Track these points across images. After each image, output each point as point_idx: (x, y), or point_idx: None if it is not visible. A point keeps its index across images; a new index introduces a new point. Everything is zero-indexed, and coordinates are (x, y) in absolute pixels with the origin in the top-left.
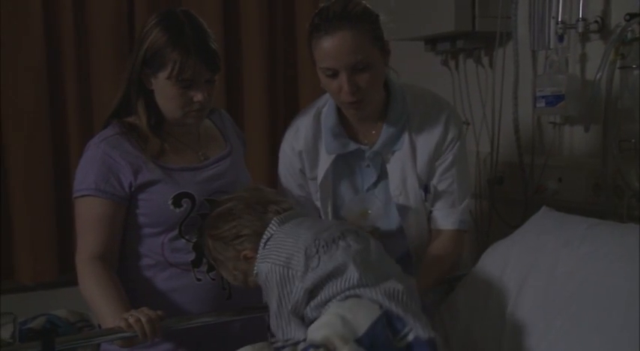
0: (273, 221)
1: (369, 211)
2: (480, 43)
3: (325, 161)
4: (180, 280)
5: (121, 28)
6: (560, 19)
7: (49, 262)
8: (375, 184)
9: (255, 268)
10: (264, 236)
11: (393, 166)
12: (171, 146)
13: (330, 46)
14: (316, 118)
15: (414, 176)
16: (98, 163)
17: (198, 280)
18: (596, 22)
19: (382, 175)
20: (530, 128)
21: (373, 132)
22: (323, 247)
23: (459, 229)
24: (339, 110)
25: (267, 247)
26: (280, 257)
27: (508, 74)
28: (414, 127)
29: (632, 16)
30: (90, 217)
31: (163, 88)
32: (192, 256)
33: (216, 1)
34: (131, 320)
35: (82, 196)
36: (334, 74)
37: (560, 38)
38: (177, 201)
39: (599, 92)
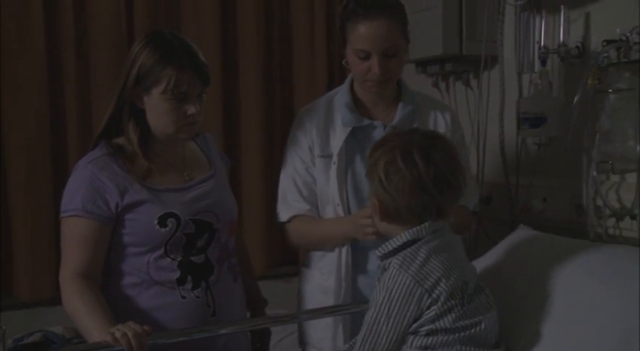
0: (427, 226)
1: None
2: (467, 66)
3: (341, 134)
4: (165, 298)
5: (121, 44)
6: (542, 44)
7: (48, 280)
8: None
9: (379, 253)
10: (410, 234)
11: None
12: (158, 167)
13: (366, 31)
14: (328, 103)
15: None
16: (86, 184)
17: (183, 297)
18: (577, 47)
19: None
20: (516, 149)
21: (388, 112)
22: (463, 299)
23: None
24: (352, 92)
25: (408, 250)
26: (419, 273)
27: (495, 96)
28: (424, 116)
29: (609, 42)
30: (76, 237)
31: (157, 104)
32: (177, 274)
33: (213, 22)
34: (118, 334)
35: (70, 216)
36: (366, 56)
37: (543, 62)
38: (162, 221)
39: (573, 115)
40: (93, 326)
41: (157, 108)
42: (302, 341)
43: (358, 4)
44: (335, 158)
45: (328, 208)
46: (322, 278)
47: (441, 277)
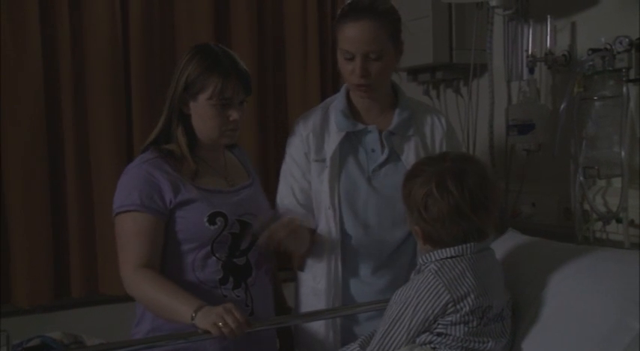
0: (472, 246)
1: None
2: (458, 74)
3: (335, 138)
4: (207, 297)
5: (115, 53)
6: (530, 53)
7: (46, 286)
8: (382, 165)
9: (422, 261)
10: (454, 251)
11: (408, 151)
12: (203, 171)
13: (351, 33)
14: (324, 110)
15: None
16: (142, 181)
17: (225, 296)
18: (564, 55)
19: (390, 158)
20: (505, 155)
21: (383, 117)
22: (481, 319)
23: None
24: (348, 98)
25: (448, 260)
26: (452, 282)
27: (484, 103)
28: (419, 121)
29: (594, 51)
30: (135, 231)
31: (202, 109)
32: (220, 275)
33: (207, 32)
34: (225, 331)
35: (127, 211)
36: (351, 58)
37: (531, 70)
38: (212, 219)
39: (560, 122)
40: (177, 303)
41: (202, 113)
42: (296, 343)
43: (350, 8)
44: (328, 162)
45: (321, 211)
46: (315, 281)
47: (471, 292)
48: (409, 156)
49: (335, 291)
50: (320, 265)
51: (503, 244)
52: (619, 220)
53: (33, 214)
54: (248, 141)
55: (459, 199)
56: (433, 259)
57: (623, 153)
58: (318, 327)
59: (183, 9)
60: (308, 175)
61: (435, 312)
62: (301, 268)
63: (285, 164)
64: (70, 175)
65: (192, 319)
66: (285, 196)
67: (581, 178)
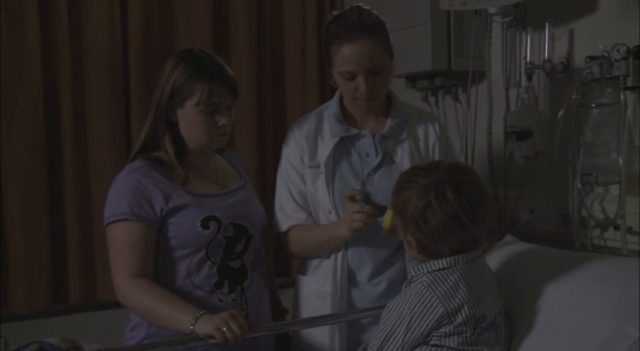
0: (464, 256)
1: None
2: (456, 81)
3: (329, 144)
4: (204, 302)
5: (114, 60)
6: (528, 60)
7: (44, 292)
8: (376, 169)
9: (414, 273)
10: (446, 262)
11: (402, 154)
12: (194, 176)
13: (350, 53)
14: (318, 116)
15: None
16: (131, 190)
17: (221, 301)
18: (562, 63)
19: (384, 162)
20: (504, 162)
21: (377, 122)
22: (475, 329)
23: None
24: (342, 104)
25: (440, 272)
26: (445, 295)
27: (483, 110)
28: (413, 126)
29: (591, 58)
30: (126, 240)
31: (190, 116)
32: (215, 279)
33: (206, 38)
34: (229, 335)
35: (117, 221)
36: (352, 77)
37: (529, 77)
38: (205, 223)
39: (558, 129)
40: (175, 312)
41: (190, 120)
42: (296, 347)
43: (340, 27)
44: (322, 168)
45: (321, 214)
46: (319, 284)
47: (464, 304)
48: (403, 159)
49: (341, 292)
50: (324, 268)
51: (501, 251)
52: (617, 227)
53: (31, 220)
54: (247, 147)
55: (459, 209)
56: (425, 271)
57: (620, 160)
58: (321, 331)
59: (183, 10)
60: (304, 176)
61: (430, 326)
62: (303, 272)
63: (282, 168)
64: (68, 179)
65: (192, 326)
66: (285, 200)
67: (579, 185)
